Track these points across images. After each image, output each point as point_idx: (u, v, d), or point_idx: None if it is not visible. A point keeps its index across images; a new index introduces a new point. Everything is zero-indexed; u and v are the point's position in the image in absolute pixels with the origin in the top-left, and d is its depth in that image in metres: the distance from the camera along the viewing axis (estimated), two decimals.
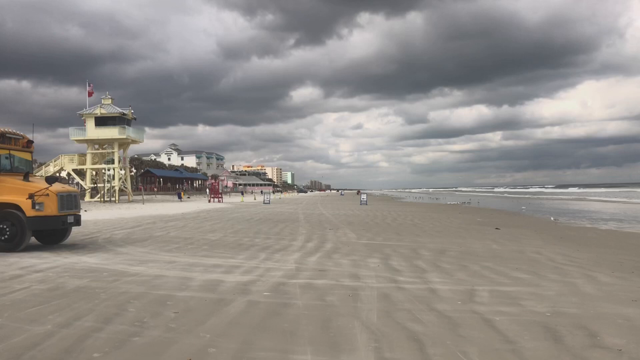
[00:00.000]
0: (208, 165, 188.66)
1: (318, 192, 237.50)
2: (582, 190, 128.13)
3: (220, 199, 65.28)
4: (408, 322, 6.74)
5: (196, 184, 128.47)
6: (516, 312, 7.28)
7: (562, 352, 5.55)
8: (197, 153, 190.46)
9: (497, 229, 22.66)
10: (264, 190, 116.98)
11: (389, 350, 5.59)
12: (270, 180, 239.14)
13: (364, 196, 57.11)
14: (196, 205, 51.17)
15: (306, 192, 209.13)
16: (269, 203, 55.23)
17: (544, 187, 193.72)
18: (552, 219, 31.30)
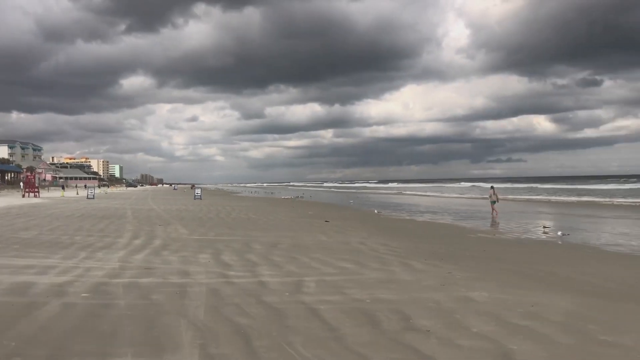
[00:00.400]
0: (23, 156, 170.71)
1: (149, 186, 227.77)
2: (400, 185, 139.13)
3: (37, 194, 59.58)
4: (236, 316, 6.70)
5: (8, 176, 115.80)
6: (340, 301, 7.62)
7: (379, 336, 5.91)
8: (10, 143, 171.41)
9: (326, 221, 23.63)
10: (88, 184, 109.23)
11: (215, 346, 5.50)
12: (96, 173, 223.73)
13: (198, 190, 56.01)
14: (7, 200, 46.09)
15: (136, 186, 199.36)
16: (93, 198, 51.66)
17: (368, 182, 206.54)
18: (375, 211, 33.45)
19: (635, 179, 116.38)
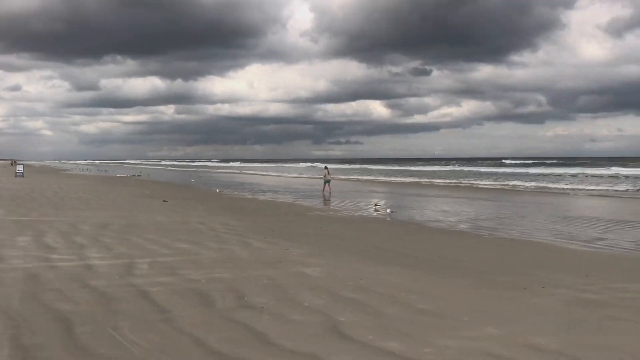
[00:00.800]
0: None
1: None
2: (243, 164, 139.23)
3: None
4: (57, 302, 6.18)
5: None
6: (173, 282, 7.39)
7: (212, 315, 5.84)
8: None
9: (164, 201, 22.83)
10: None
11: (30, 335, 5.02)
12: None
13: (20, 167, 50.76)
14: None
15: None
16: None
17: (210, 161, 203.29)
18: (217, 190, 33.10)
19: (454, 162, 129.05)
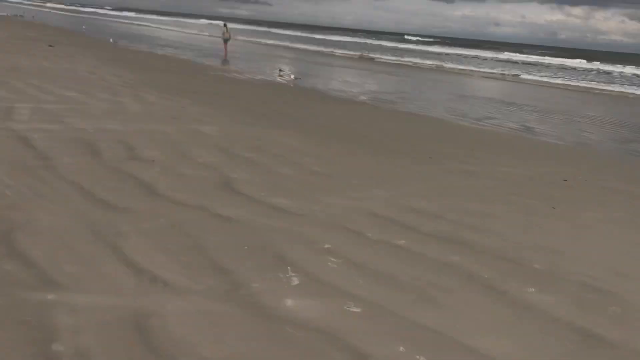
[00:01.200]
0: None
1: None
2: (138, 15, 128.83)
3: None
4: None
5: None
6: (58, 130, 6.96)
7: (98, 165, 5.61)
8: None
9: (50, 46, 20.95)
10: None
11: None
12: None
13: None
14: None
15: None
16: None
17: (102, 8, 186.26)
18: (111, 40, 30.81)
19: (362, 34, 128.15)
